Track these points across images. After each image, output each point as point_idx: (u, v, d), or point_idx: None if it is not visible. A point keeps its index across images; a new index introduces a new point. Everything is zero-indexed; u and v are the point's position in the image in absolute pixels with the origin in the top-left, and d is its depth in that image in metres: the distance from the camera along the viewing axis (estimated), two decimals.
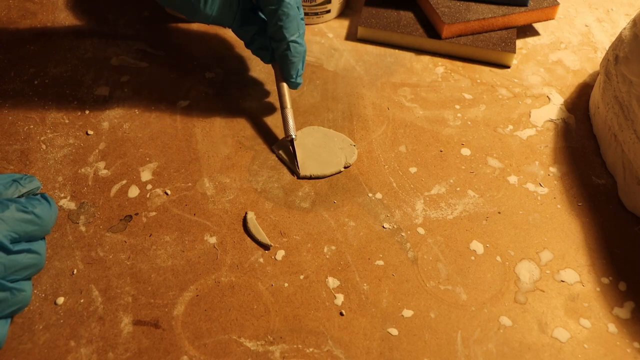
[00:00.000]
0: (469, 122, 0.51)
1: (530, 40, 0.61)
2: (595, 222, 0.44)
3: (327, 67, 0.56)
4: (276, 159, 0.47)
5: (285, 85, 0.48)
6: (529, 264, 0.41)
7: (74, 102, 0.50)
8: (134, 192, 0.44)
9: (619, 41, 0.48)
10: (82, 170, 0.45)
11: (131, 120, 0.49)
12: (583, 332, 0.37)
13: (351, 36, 0.60)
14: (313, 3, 0.58)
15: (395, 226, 0.43)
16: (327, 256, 0.41)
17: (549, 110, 0.53)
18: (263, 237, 0.41)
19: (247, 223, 0.42)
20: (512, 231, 0.43)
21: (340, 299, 0.38)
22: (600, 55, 0.59)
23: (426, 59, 0.58)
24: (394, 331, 0.37)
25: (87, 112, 0.50)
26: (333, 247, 0.41)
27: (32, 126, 0.48)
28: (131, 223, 0.42)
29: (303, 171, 0.45)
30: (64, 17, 0.60)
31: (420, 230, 0.43)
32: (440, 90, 0.54)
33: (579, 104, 0.54)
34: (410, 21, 0.59)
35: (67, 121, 0.49)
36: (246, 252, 0.41)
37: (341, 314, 0.38)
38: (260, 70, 0.55)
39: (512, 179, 0.47)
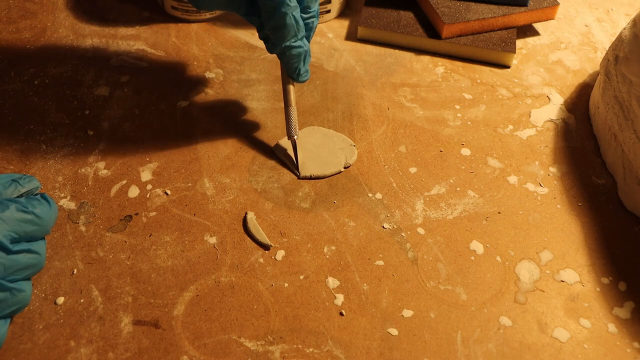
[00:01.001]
0: (469, 122, 0.51)
1: (530, 40, 0.61)
2: (595, 222, 0.44)
3: (327, 67, 0.56)
4: (276, 159, 0.47)
5: (290, 82, 0.46)
6: (529, 264, 0.41)
7: (74, 102, 0.50)
8: (134, 192, 0.44)
9: (619, 41, 0.48)
10: (82, 170, 0.45)
11: (131, 120, 0.49)
12: (583, 332, 0.37)
13: (351, 36, 0.60)
14: None
15: (395, 226, 0.43)
16: (327, 256, 0.41)
17: (549, 110, 0.53)
18: (263, 237, 0.41)
19: (247, 223, 0.42)
20: (512, 231, 0.43)
21: (340, 299, 0.38)
22: (600, 55, 0.59)
23: (426, 59, 0.58)
24: (394, 331, 0.37)
25: (87, 112, 0.50)
26: (333, 247, 0.41)
27: (32, 126, 0.48)
28: (131, 223, 0.42)
29: (303, 172, 0.45)
30: (64, 17, 0.60)
31: (420, 231, 0.43)
32: (440, 90, 0.54)
33: (579, 104, 0.54)
34: (410, 21, 0.59)
35: (67, 121, 0.49)
36: (246, 252, 0.41)
37: (341, 314, 0.38)
38: (260, 70, 0.55)
39: (512, 179, 0.47)
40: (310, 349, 0.36)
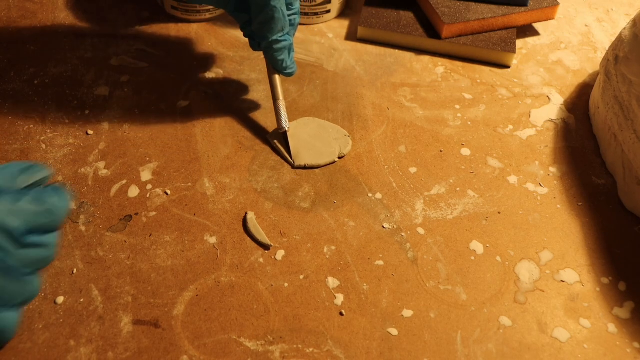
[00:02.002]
0: (469, 122, 0.51)
1: (530, 40, 0.61)
2: (595, 222, 0.44)
3: (327, 67, 0.56)
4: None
5: (277, 77, 0.47)
6: (529, 264, 0.41)
7: (74, 102, 0.50)
8: (134, 192, 0.44)
9: (619, 41, 0.48)
10: (82, 170, 0.45)
11: (131, 120, 0.49)
12: (583, 332, 0.37)
13: (351, 36, 0.60)
14: (313, 3, 0.58)
15: (395, 226, 0.43)
16: (327, 256, 0.41)
17: (549, 110, 0.53)
18: (263, 237, 0.41)
19: (247, 223, 0.42)
20: (512, 231, 0.43)
21: (340, 299, 0.38)
22: (600, 55, 0.59)
23: (426, 59, 0.58)
24: (394, 331, 0.37)
25: (87, 112, 0.50)
26: (333, 247, 0.41)
27: (32, 126, 0.48)
28: (131, 223, 0.42)
29: (297, 161, 0.45)
30: (64, 17, 0.60)
31: (420, 230, 0.43)
32: (440, 90, 0.54)
33: (579, 104, 0.54)
34: (410, 21, 0.59)
35: (67, 121, 0.49)
36: (246, 252, 0.41)
37: (341, 314, 0.38)
38: (260, 70, 0.55)
39: (512, 179, 0.47)
40: (310, 349, 0.36)
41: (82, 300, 0.37)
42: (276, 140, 0.47)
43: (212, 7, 0.59)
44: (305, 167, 0.45)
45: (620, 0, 0.67)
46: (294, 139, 0.47)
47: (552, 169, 0.48)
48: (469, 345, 0.36)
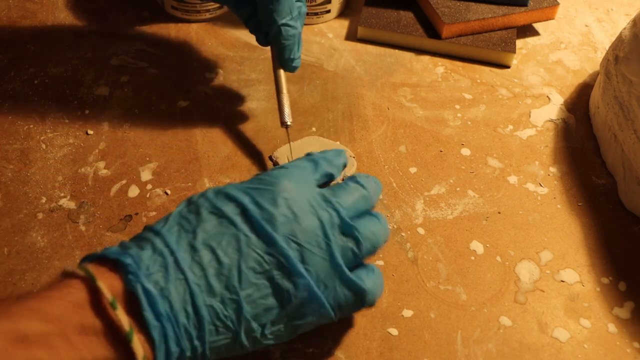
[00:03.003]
0: (469, 122, 0.51)
1: (530, 40, 0.61)
2: (595, 222, 0.44)
3: (327, 67, 0.56)
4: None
5: (282, 71, 0.46)
6: (529, 264, 0.41)
7: (74, 102, 0.50)
8: (134, 191, 0.44)
9: (619, 41, 0.48)
10: (82, 170, 0.45)
11: (131, 120, 0.49)
12: (583, 332, 0.37)
13: (351, 36, 0.60)
14: (313, 3, 0.58)
15: (395, 226, 0.43)
16: None
17: (549, 110, 0.53)
18: None
19: None
20: (512, 231, 0.43)
21: None
22: (600, 55, 0.59)
23: (426, 59, 0.58)
24: (394, 331, 0.37)
25: (87, 112, 0.50)
26: None
27: (32, 126, 0.48)
28: (131, 223, 0.42)
29: None
30: (64, 17, 0.60)
31: (420, 230, 0.43)
32: (440, 90, 0.54)
33: (579, 104, 0.54)
34: (410, 21, 0.59)
35: (67, 121, 0.49)
36: None
37: None
38: (260, 70, 0.55)
39: (512, 179, 0.47)
40: (311, 349, 0.36)
41: None
42: (279, 160, 0.45)
43: (212, 7, 0.59)
44: None
45: (620, 0, 0.67)
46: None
47: (552, 169, 0.48)
48: (469, 345, 0.36)
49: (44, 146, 0.47)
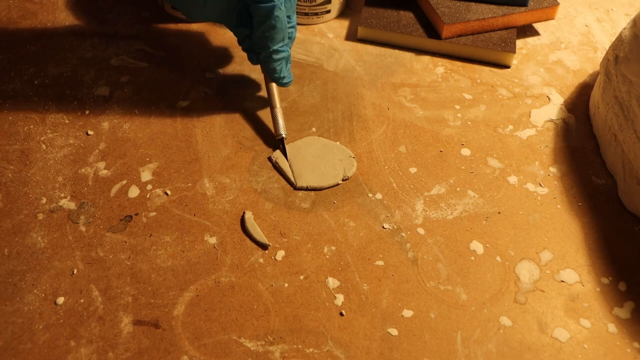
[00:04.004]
0: (469, 122, 0.51)
1: (530, 40, 0.61)
2: (595, 222, 0.44)
3: (327, 67, 0.56)
4: (274, 166, 0.47)
5: (274, 85, 0.49)
6: (529, 264, 0.41)
7: (74, 102, 0.50)
8: (134, 192, 0.44)
9: (619, 41, 0.48)
10: (82, 170, 0.45)
11: (131, 120, 0.49)
12: (583, 332, 0.37)
13: (351, 36, 0.60)
14: (313, 3, 0.58)
15: (395, 226, 0.43)
16: (327, 256, 0.41)
17: (549, 110, 0.53)
18: (261, 236, 0.41)
19: (245, 222, 0.42)
20: (512, 231, 0.43)
21: (340, 299, 0.38)
22: (600, 55, 0.59)
23: (426, 59, 0.58)
24: (394, 331, 0.37)
25: (87, 112, 0.50)
26: (333, 248, 0.41)
27: (32, 126, 0.48)
28: (131, 223, 0.42)
29: (300, 182, 0.45)
30: (64, 17, 0.60)
31: (420, 231, 0.43)
32: (440, 90, 0.54)
33: (579, 104, 0.54)
34: (410, 21, 0.59)
35: (67, 121, 0.49)
36: (246, 252, 0.41)
37: (341, 314, 0.38)
38: (260, 70, 0.55)
39: (512, 179, 0.47)
40: (310, 349, 0.36)
41: (82, 300, 0.37)
42: (278, 161, 0.46)
43: None
44: (307, 189, 0.45)
45: (620, 0, 0.67)
46: (297, 159, 0.46)
47: (552, 169, 0.48)
48: (469, 346, 0.36)
49: (44, 147, 0.47)
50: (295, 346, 0.36)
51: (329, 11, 0.60)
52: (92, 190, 0.44)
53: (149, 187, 0.44)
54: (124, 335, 0.36)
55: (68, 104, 0.50)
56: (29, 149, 0.46)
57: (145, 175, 0.45)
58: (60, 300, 0.37)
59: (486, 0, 0.58)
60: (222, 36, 0.58)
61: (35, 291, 0.38)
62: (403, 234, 0.42)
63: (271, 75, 0.48)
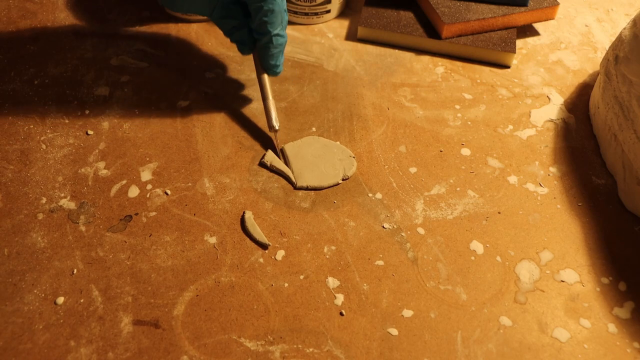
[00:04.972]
0: (469, 122, 0.51)
1: (530, 40, 0.61)
2: (595, 222, 0.44)
3: (327, 67, 0.56)
4: (270, 170, 0.47)
5: (266, 77, 0.49)
6: (529, 264, 0.41)
7: (74, 102, 0.50)
8: (134, 192, 0.44)
9: (619, 41, 0.48)
10: (82, 170, 0.45)
11: (131, 120, 0.49)
12: (583, 332, 0.37)
13: (351, 36, 0.60)
14: (313, 3, 0.58)
15: (395, 226, 0.43)
16: (327, 256, 0.41)
17: (549, 110, 0.53)
18: (261, 236, 0.41)
19: (245, 222, 0.42)
20: (512, 231, 0.43)
21: (340, 299, 0.38)
22: (600, 55, 0.59)
23: (426, 59, 0.58)
24: (394, 331, 0.37)
25: (87, 112, 0.50)
26: (333, 247, 0.41)
27: (32, 126, 0.48)
28: (131, 223, 0.42)
29: (300, 182, 0.45)
30: (64, 17, 0.60)
31: (420, 230, 0.43)
32: (440, 90, 0.54)
33: (579, 104, 0.54)
34: (410, 21, 0.59)
35: (67, 121, 0.49)
36: (246, 252, 0.41)
37: (341, 314, 0.38)
38: None
39: (512, 179, 0.47)
40: (310, 349, 0.36)
41: (82, 300, 0.37)
42: (273, 162, 0.46)
43: None
44: (307, 189, 0.45)
45: (620, 0, 0.67)
46: (298, 159, 0.46)
47: (552, 169, 0.48)
48: (469, 345, 0.36)
49: (44, 146, 0.47)
50: (295, 346, 0.36)
51: (329, 11, 0.60)
52: (92, 190, 0.44)
53: (149, 186, 0.44)
54: (124, 335, 0.36)
55: (68, 104, 0.50)
56: (29, 149, 0.46)
57: (145, 175, 0.45)
58: (60, 300, 0.37)
59: (486, 0, 0.58)
60: (222, 36, 0.58)
61: (35, 291, 0.38)
62: (403, 234, 0.42)
63: (267, 63, 0.47)
